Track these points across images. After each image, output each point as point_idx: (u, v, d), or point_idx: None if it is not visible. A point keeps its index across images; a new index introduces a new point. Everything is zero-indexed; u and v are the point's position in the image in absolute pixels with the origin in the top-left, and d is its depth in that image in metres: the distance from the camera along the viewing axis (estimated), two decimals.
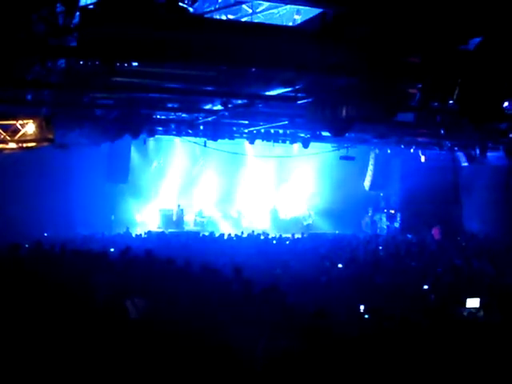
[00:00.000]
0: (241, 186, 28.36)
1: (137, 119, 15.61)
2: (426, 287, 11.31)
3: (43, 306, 8.12)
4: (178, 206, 26.67)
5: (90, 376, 5.91)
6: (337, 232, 25.69)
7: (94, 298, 9.28)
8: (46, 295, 8.83)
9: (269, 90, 10.74)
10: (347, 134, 14.38)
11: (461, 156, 24.89)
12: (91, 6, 8.52)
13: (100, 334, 6.90)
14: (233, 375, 6.04)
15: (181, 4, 8.00)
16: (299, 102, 11.52)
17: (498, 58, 6.93)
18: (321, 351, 5.79)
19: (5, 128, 12.21)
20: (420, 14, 6.47)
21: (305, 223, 27.88)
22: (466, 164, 25.32)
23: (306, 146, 21.46)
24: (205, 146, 20.84)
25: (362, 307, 9.17)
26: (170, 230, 23.96)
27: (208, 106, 14.27)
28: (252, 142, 20.88)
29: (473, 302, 9.71)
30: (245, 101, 12.28)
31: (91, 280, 9.84)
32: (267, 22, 12.67)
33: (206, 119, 16.86)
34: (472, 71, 7.47)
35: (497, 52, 6.81)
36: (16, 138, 12.12)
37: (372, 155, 26.50)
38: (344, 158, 22.69)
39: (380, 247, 18.78)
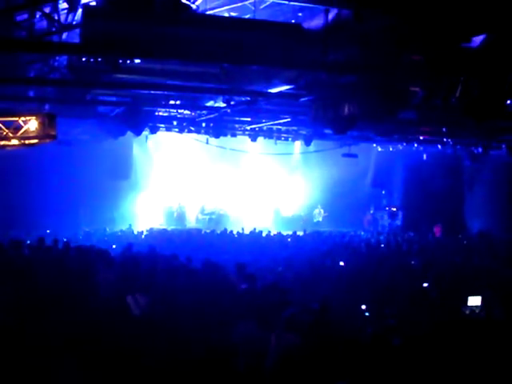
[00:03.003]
0: (243, 184, 28.32)
1: (139, 116, 15.62)
2: (426, 285, 11.27)
3: (45, 302, 8.14)
4: (180, 203, 26.67)
5: (92, 372, 5.93)
6: (339, 230, 25.65)
7: (96, 294, 9.30)
8: (48, 291, 8.85)
9: (271, 88, 10.74)
10: (349, 132, 14.37)
11: (463, 154, 24.90)
12: (93, 3, 8.55)
13: (102, 331, 6.91)
14: (234, 371, 6.05)
15: (183, 1, 8.03)
16: (301, 99, 11.52)
17: (500, 56, 6.93)
18: (325, 347, 5.80)
19: (7, 125, 12.19)
20: (423, 12, 6.47)
21: (315, 220, 27.95)
22: (468, 162, 25.34)
23: (308, 143, 21.47)
24: (207, 143, 20.87)
25: (363, 306, 9.13)
26: (171, 227, 23.96)
27: (210, 103, 14.26)
28: (254, 140, 20.88)
29: (474, 300, 9.67)
30: (247, 98, 12.28)
31: (93, 276, 9.86)
32: (270, 19, 12.66)
33: (209, 116, 16.85)
34: (475, 69, 7.47)
35: (500, 50, 6.81)
36: (18, 134, 12.08)
37: (374, 153, 26.48)
38: (346, 155, 22.69)
39: (382, 245, 18.78)
